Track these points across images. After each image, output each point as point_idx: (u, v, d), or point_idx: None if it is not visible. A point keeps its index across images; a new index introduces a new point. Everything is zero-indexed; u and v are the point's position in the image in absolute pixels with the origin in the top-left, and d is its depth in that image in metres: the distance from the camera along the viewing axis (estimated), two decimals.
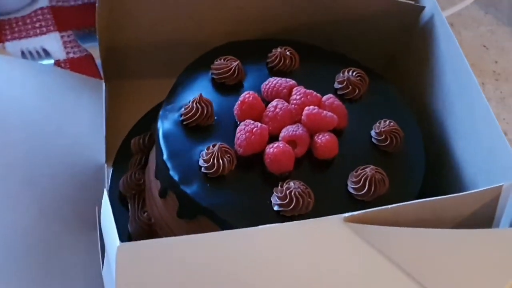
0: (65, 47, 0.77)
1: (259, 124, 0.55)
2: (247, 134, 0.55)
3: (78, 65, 0.75)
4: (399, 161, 0.59)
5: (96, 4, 0.62)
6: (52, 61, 0.75)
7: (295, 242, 0.47)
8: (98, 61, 0.75)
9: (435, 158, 0.63)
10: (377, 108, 0.62)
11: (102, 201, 0.47)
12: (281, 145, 0.54)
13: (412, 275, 0.50)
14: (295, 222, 0.47)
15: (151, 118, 0.70)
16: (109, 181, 0.65)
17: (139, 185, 0.63)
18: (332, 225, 0.47)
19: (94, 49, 0.76)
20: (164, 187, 0.57)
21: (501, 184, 0.51)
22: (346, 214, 0.47)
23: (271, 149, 0.54)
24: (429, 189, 0.59)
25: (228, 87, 0.62)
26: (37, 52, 0.75)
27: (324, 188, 0.55)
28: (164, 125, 0.58)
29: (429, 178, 0.60)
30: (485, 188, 0.51)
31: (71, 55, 0.76)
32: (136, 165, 0.65)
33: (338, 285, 0.47)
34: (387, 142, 0.58)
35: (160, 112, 0.60)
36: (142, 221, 0.61)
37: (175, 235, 0.58)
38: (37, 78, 0.71)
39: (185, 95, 0.61)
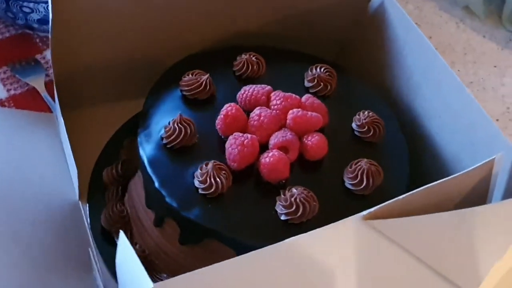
0: (4, 85, 0.72)
1: (249, 135, 0.54)
2: (239, 147, 0.54)
3: (23, 101, 0.71)
4: (384, 150, 0.60)
5: (50, 33, 0.59)
6: None
7: (322, 249, 0.46)
8: (44, 94, 0.71)
9: (410, 141, 0.64)
10: (350, 101, 0.63)
11: (118, 243, 0.45)
12: (276, 153, 0.54)
13: (427, 263, 0.52)
14: (317, 230, 0.46)
15: (116, 144, 0.68)
16: (88, 218, 0.62)
17: (123, 217, 0.61)
18: (353, 225, 0.47)
19: (36, 81, 0.72)
20: (160, 216, 0.55)
21: (493, 157, 0.53)
22: (364, 213, 0.47)
23: (267, 158, 0.54)
24: (413, 173, 0.60)
25: (201, 102, 0.60)
26: None
27: (322, 189, 0.55)
28: (147, 152, 0.56)
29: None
30: (480, 163, 0.52)
31: (12, 92, 0.72)
32: (114, 197, 0.62)
33: (369, 284, 0.48)
34: (371, 133, 0.59)
35: (138, 139, 0.57)
36: (137, 253, 0.58)
37: (176, 262, 0.56)
38: None
39: (159, 117, 0.59)
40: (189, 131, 0.56)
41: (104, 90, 0.69)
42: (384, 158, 0.58)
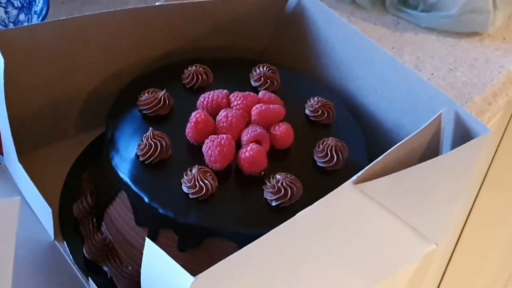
0: None
1: (224, 136, 0.57)
2: (218, 148, 0.56)
3: None
4: (338, 128, 0.65)
5: None
6: None
7: (322, 221, 0.51)
8: None
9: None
10: (297, 92, 0.67)
11: (145, 249, 0.46)
12: (254, 146, 0.57)
13: (401, 217, 0.57)
14: (319, 202, 0.50)
15: (74, 180, 0.68)
16: (70, 254, 0.62)
17: (107, 245, 0.61)
18: (346, 192, 0.52)
19: None
20: (154, 230, 0.56)
21: (440, 112, 0.60)
22: (354, 178, 0.52)
23: (246, 153, 0.57)
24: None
25: (162, 117, 0.62)
26: None
27: (298, 172, 0.58)
28: (126, 173, 0.57)
29: None
30: (432, 119, 0.59)
31: None
32: (91, 229, 0.62)
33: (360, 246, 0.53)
34: (324, 116, 0.64)
35: (112, 164, 0.58)
36: (132, 274, 0.59)
37: None
38: None
39: (127, 138, 0.60)
40: (164, 143, 0.57)
41: (55, 129, 0.69)
42: (341, 136, 0.63)
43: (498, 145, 1.12)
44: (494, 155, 1.13)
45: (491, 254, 1.26)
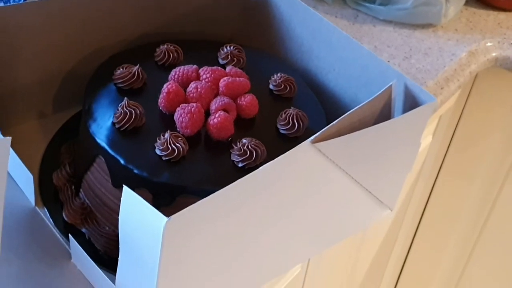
0: None
1: (194, 104, 0.62)
2: (188, 115, 0.62)
3: None
4: (300, 101, 0.70)
5: None
6: None
7: (281, 176, 0.56)
8: None
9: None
10: (261, 69, 0.73)
11: (122, 196, 0.50)
12: (221, 113, 0.62)
13: (357, 180, 0.63)
14: (280, 157, 0.55)
15: (53, 152, 0.72)
16: (50, 218, 0.66)
17: (85, 208, 0.66)
18: (305, 149, 0.57)
19: None
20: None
21: (390, 84, 0.65)
22: (311, 138, 0.57)
23: (214, 119, 0.62)
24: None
25: (136, 90, 0.67)
26: None
27: (263, 138, 0.64)
28: (104, 139, 0.62)
29: None
30: (382, 90, 0.64)
31: None
32: (70, 195, 0.67)
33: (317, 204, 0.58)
34: (287, 90, 0.69)
35: (90, 131, 0.63)
36: (108, 233, 0.63)
37: None
38: None
39: (104, 109, 0.65)
40: (138, 112, 0.62)
41: (34, 106, 0.74)
42: (302, 107, 0.68)
43: (453, 133, 1.20)
44: (450, 143, 1.20)
45: (452, 236, 1.32)
